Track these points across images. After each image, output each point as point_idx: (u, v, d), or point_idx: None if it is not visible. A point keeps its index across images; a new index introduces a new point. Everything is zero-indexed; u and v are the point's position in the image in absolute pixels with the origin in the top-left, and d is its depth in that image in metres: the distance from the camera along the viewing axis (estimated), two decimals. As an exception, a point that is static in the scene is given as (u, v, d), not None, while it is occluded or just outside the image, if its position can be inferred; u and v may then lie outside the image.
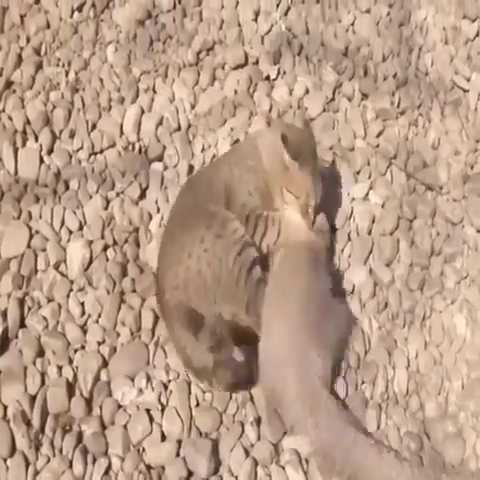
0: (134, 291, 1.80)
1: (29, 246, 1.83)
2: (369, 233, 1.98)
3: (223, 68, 2.30)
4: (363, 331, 1.79)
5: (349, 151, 2.14)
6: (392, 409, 1.69)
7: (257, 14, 2.42)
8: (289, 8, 2.46)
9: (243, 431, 1.60)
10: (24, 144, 2.02)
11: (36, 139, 2.04)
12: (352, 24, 2.47)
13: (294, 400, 1.56)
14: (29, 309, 1.72)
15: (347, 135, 2.17)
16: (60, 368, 1.64)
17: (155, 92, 2.22)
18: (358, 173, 2.10)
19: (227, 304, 1.66)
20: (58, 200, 1.93)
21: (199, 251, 1.66)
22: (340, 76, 2.31)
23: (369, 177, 2.09)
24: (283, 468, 1.55)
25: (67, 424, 1.58)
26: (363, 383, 1.72)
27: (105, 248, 1.86)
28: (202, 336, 1.62)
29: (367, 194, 2.05)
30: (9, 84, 2.17)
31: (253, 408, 1.63)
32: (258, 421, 1.62)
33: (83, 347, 1.70)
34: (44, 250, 1.83)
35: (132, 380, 1.65)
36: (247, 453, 1.57)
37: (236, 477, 1.54)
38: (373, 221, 2.00)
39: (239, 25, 2.41)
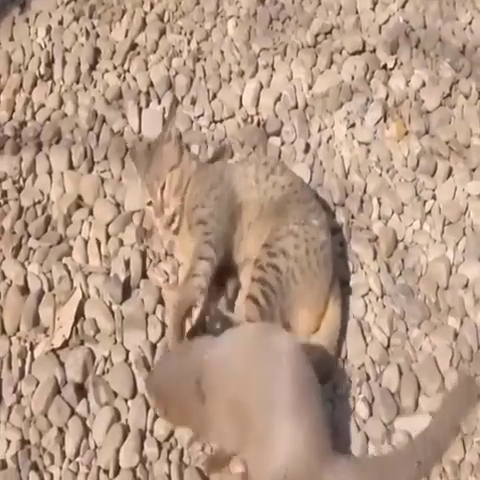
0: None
1: (150, 202, 1.84)
2: (484, 230, 1.96)
3: (340, 53, 2.29)
4: (476, 325, 1.77)
5: (465, 148, 2.12)
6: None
7: (375, 3, 2.42)
8: (407, 1, 2.45)
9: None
10: (147, 105, 2.05)
11: (159, 102, 2.06)
12: (470, 23, 2.44)
13: None
14: (150, 261, 1.74)
15: (463, 132, 2.14)
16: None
17: (274, 69, 2.22)
18: (474, 170, 2.07)
19: None
20: (180, 162, 1.94)
21: None
22: (457, 73, 2.28)
23: (485, 175, 2.06)
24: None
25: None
26: (476, 376, 1.70)
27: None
28: None
29: (483, 192, 2.03)
30: (134, 46, 2.20)
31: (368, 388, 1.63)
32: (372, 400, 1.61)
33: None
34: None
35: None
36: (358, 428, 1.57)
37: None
38: (489, 219, 1.97)
39: (357, 12, 2.41)
